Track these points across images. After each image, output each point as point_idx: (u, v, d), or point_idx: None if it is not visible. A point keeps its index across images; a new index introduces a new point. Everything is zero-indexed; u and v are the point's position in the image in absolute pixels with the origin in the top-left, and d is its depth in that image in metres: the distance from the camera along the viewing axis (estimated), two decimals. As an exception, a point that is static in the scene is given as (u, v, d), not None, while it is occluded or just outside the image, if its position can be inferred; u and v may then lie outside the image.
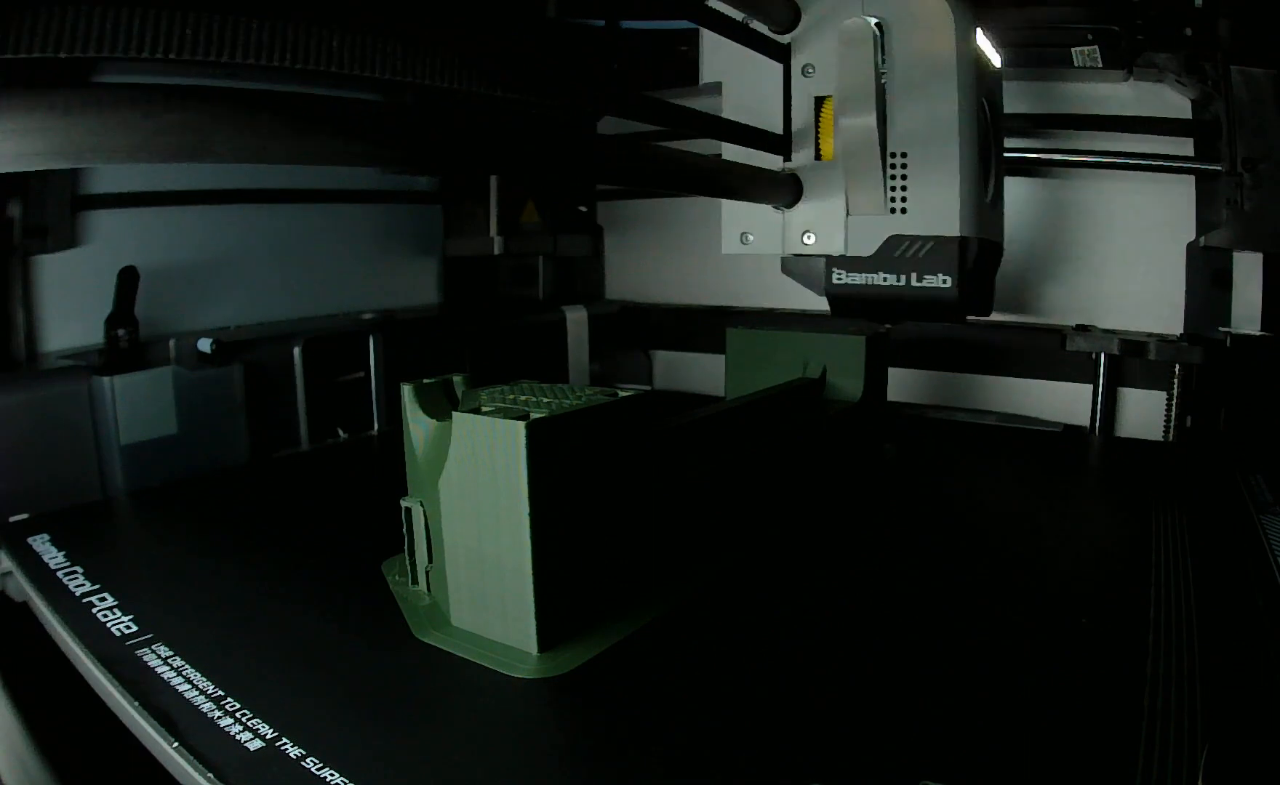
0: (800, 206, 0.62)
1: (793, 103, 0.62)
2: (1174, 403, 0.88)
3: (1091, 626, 0.45)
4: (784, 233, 0.63)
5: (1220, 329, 0.86)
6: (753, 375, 0.74)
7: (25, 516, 0.61)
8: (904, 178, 0.58)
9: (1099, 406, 0.92)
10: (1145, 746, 0.34)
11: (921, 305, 0.59)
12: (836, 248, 0.61)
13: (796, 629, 0.46)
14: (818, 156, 0.61)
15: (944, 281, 0.58)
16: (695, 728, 0.36)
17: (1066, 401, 0.95)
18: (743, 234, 0.64)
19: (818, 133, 0.61)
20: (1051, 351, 0.93)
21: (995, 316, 0.99)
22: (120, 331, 0.71)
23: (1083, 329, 0.92)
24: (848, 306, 0.63)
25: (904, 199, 0.58)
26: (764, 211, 0.63)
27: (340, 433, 0.88)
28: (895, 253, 0.59)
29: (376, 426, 0.91)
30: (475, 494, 0.41)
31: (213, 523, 0.64)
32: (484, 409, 0.42)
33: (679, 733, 0.36)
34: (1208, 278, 0.88)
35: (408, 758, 0.34)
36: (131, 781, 0.38)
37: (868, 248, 0.60)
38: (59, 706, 0.45)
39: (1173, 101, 0.89)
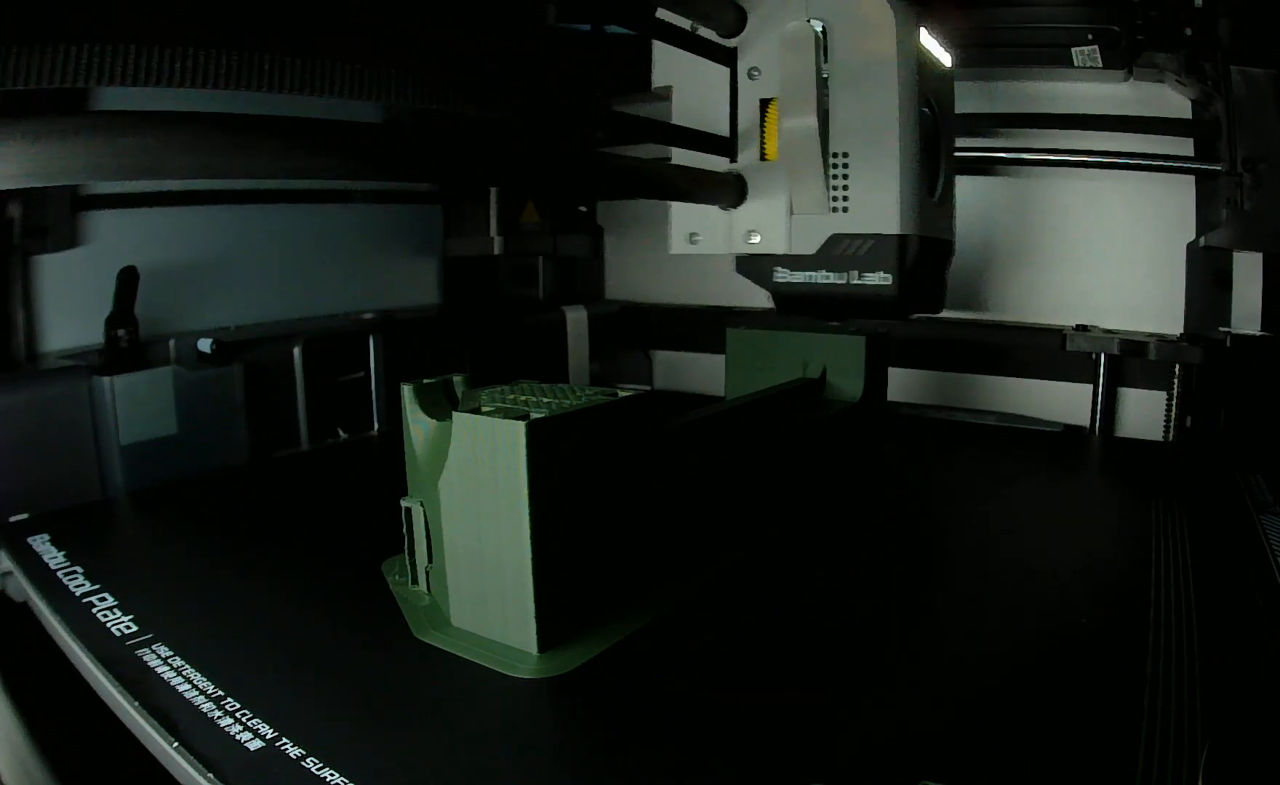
0: (746, 206, 0.62)
1: (739, 105, 0.62)
2: (1174, 403, 0.88)
3: (1091, 626, 0.45)
4: (730, 233, 0.63)
5: (1220, 329, 0.86)
6: (753, 375, 0.74)
7: (25, 516, 0.61)
8: (845, 177, 0.59)
9: (1099, 406, 0.92)
10: (1145, 746, 0.34)
11: (863, 303, 0.60)
12: (780, 246, 0.62)
13: (796, 629, 0.46)
14: (763, 157, 0.62)
15: (884, 279, 0.59)
16: (695, 728, 0.36)
17: (1066, 401, 0.95)
18: (690, 234, 0.65)
19: (763, 134, 0.62)
20: (1051, 351, 0.93)
21: (995, 316, 1.00)
22: (120, 331, 0.71)
23: (1083, 329, 0.92)
24: (792, 305, 0.64)
25: (845, 198, 0.59)
26: (711, 212, 0.64)
27: (340, 433, 0.88)
28: (837, 251, 0.60)
29: (376, 426, 0.91)
30: (475, 494, 0.41)
31: (213, 523, 0.64)
32: (484, 409, 0.42)
33: (679, 733, 0.36)
34: (1208, 278, 0.88)
35: (408, 758, 0.34)
36: (131, 781, 0.38)
37: (810, 246, 0.61)
38: (59, 706, 0.45)
39: (1173, 101, 0.89)
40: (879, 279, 0.59)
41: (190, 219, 0.85)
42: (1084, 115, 0.91)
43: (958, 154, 0.97)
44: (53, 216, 0.74)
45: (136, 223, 0.80)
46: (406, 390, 0.47)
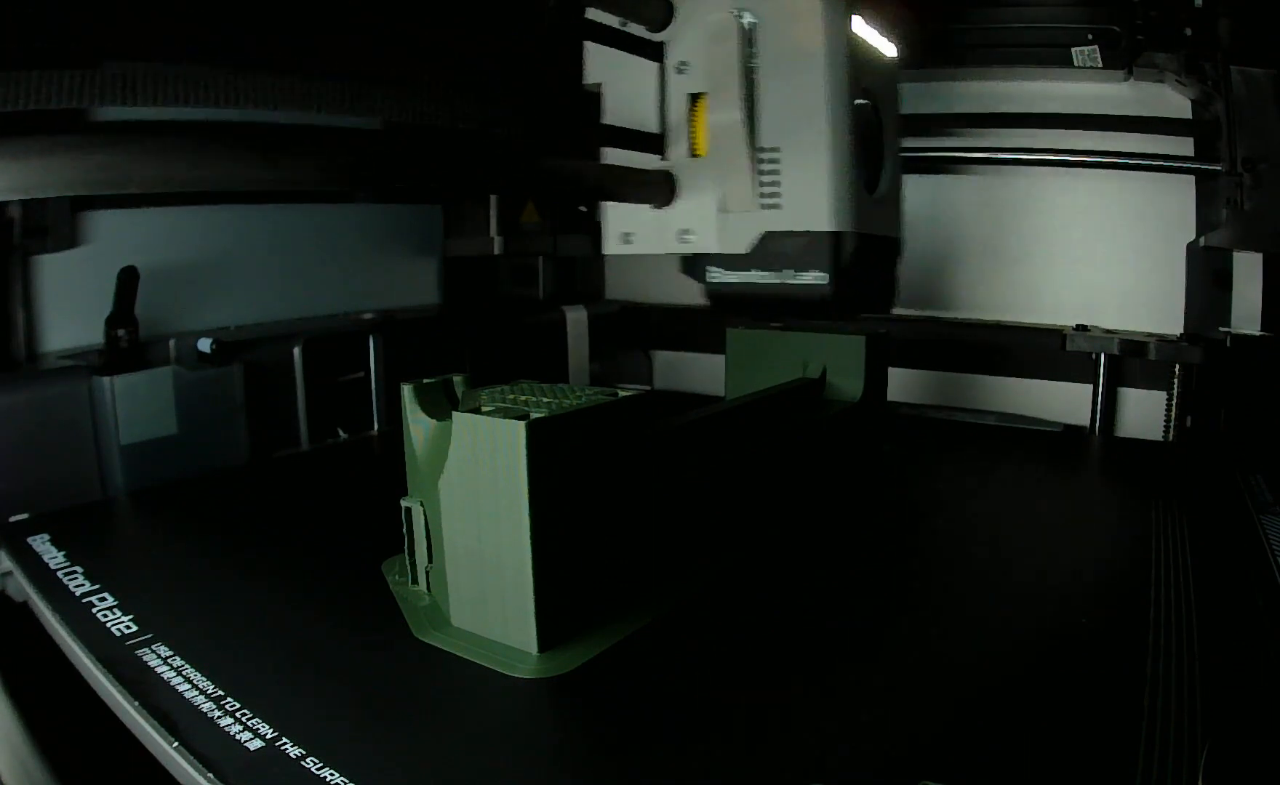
0: (678, 205, 0.61)
1: (668, 100, 0.61)
2: (1174, 403, 0.88)
3: (1091, 626, 0.45)
4: (664, 232, 0.62)
5: (1220, 329, 0.86)
6: (753, 375, 0.74)
7: (25, 516, 0.61)
8: (776, 172, 0.57)
9: (1099, 406, 0.92)
10: (1145, 746, 0.34)
11: (798, 302, 0.58)
12: (712, 246, 0.60)
13: (796, 629, 0.46)
14: (692, 153, 0.60)
15: (819, 278, 0.57)
16: (695, 727, 0.36)
17: (1066, 401, 0.95)
18: (625, 234, 0.63)
19: (692, 129, 0.60)
20: (1051, 351, 0.93)
21: (995, 316, 1.00)
22: (120, 331, 0.71)
23: (1083, 329, 0.92)
24: (728, 304, 0.62)
25: (777, 194, 0.57)
26: (645, 211, 0.62)
27: (340, 433, 0.88)
28: (770, 249, 0.58)
29: (376, 426, 0.91)
30: (475, 494, 0.41)
31: (213, 523, 0.64)
32: (484, 409, 0.42)
33: (679, 733, 0.36)
34: (1208, 278, 0.88)
35: (408, 758, 0.34)
36: (131, 781, 0.38)
37: (743, 245, 0.59)
38: (59, 706, 0.45)
39: (1173, 101, 0.89)
40: (813, 278, 0.57)
41: (190, 219, 0.85)
42: (1084, 115, 0.91)
43: (958, 154, 0.98)
44: (53, 216, 0.74)
45: (136, 223, 0.80)
46: (406, 390, 0.47)
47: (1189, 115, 0.89)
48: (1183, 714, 0.36)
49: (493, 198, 1.05)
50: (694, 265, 0.63)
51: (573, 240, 1.15)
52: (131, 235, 0.80)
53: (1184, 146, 0.89)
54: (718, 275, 0.61)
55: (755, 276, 0.59)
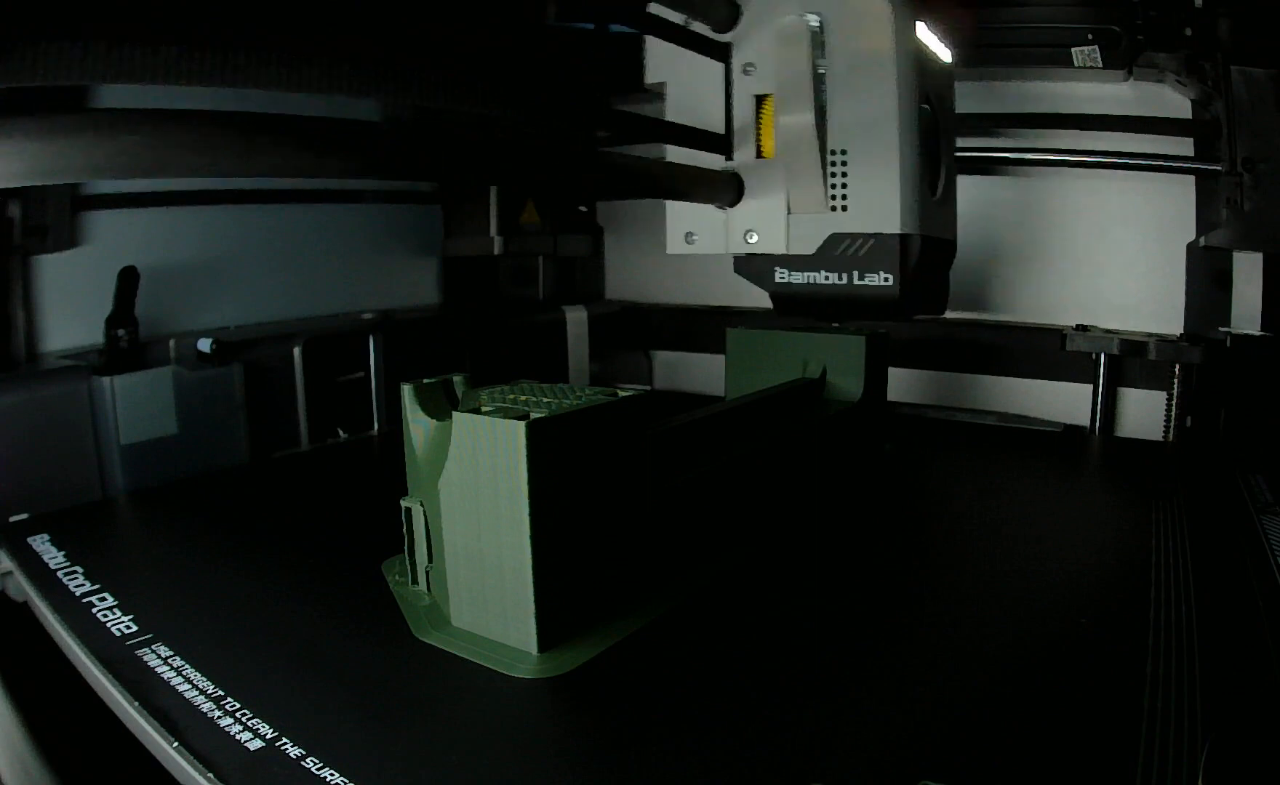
0: (743, 205, 0.61)
1: (734, 101, 0.61)
2: (1174, 403, 0.88)
3: (1091, 626, 0.45)
4: (728, 232, 0.62)
5: (1220, 329, 0.86)
6: (753, 375, 0.73)
7: (25, 516, 0.61)
8: (844, 175, 0.58)
9: (1099, 406, 0.92)
10: (1145, 746, 0.34)
11: (864, 304, 0.59)
12: (778, 246, 0.61)
13: (796, 629, 0.46)
14: (759, 155, 0.61)
15: (885, 279, 0.57)
16: (695, 727, 0.36)
17: (1066, 401, 0.95)
18: (687, 234, 0.64)
19: (759, 131, 0.61)
20: (1051, 351, 0.93)
21: (995, 316, 1.00)
22: (120, 331, 0.71)
23: (1083, 329, 0.92)
24: (791, 306, 0.63)
25: (844, 196, 0.58)
26: (708, 211, 0.63)
27: (340, 433, 0.88)
28: (837, 251, 0.59)
29: (376, 426, 0.91)
30: (475, 494, 0.41)
31: (213, 523, 0.64)
32: (484, 409, 0.42)
33: (679, 733, 0.36)
34: (1208, 278, 0.88)
35: (408, 758, 0.34)
36: (131, 781, 0.38)
37: (809, 246, 0.60)
38: (59, 706, 0.45)
39: (1173, 101, 0.89)
40: (880, 280, 0.58)
41: (190, 219, 0.85)
42: (1084, 115, 0.91)
43: (958, 154, 0.98)
44: (53, 216, 0.74)
45: (136, 223, 0.80)
46: (406, 390, 0.47)
47: (1189, 115, 0.88)
48: (1183, 714, 0.36)
49: (493, 198, 1.05)
50: (750, 266, 0.63)
51: (573, 240, 1.15)
52: (131, 235, 0.80)
53: (1184, 146, 0.89)
54: (783, 277, 0.61)
55: (821, 278, 0.60)
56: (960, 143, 0.97)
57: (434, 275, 1.13)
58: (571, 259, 1.19)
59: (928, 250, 0.59)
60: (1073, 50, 0.86)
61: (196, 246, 0.86)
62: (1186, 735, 0.34)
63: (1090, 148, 0.91)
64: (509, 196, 1.05)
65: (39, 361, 0.74)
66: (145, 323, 0.73)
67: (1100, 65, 0.85)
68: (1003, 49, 0.90)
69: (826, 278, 0.60)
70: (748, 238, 0.62)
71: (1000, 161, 0.96)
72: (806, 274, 0.60)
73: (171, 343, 0.75)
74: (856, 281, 0.59)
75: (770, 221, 0.61)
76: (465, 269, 1.13)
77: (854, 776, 0.32)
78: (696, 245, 0.64)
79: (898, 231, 0.57)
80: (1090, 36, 0.84)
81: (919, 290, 0.59)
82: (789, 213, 0.60)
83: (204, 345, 0.76)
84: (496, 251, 1.05)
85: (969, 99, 0.96)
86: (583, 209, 1.18)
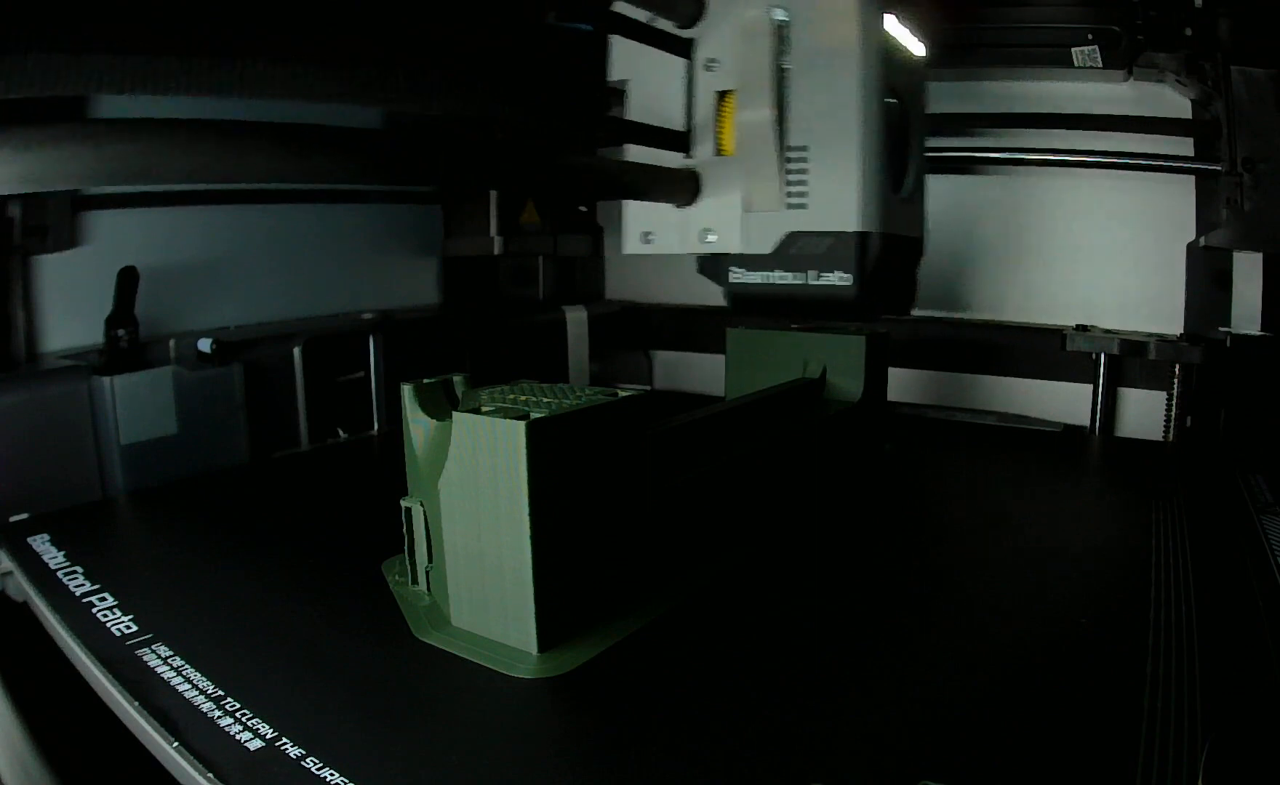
0: (701, 204, 0.60)
1: (696, 98, 0.60)
2: (1174, 403, 0.88)
3: (1091, 626, 0.45)
4: (685, 231, 0.61)
5: (1220, 329, 0.86)
6: (753, 375, 0.73)
7: (25, 516, 0.61)
8: (803, 172, 0.56)
9: (1099, 406, 0.92)
10: (1145, 747, 0.34)
11: (821, 304, 0.57)
12: (735, 245, 0.59)
13: (796, 629, 0.46)
14: (718, 152, 0.59)
15: (844, 278, 0.56)
16: (695, 728, 0.36)
17: (1066, 401, 0.95)
18: (645, 234, 0.62)
19: (719, 128, 0.59)
20: (1051, 351, 0.93)
21: (995, 316, 1.00)
22: (120, 331, 0.71)
23: (1083, 329, 0.92)
24: (748, 305, 0.61)
25: (803, 194, 0.57)
26: (666, 210, 0.61)
27: (340, 433, 0.88)
28: (794, 250, 0.57)
29: (376, 426, 0.91)
30: (475, 494, 0.41)
31: (213, 523, 0.64)
32: (484, 409, 0.42)
33: (679, 733, 0.36)
34: (1208, 278, 0.88)
35: (408, 757, 0.34)
36: (131, 781, 0.38)
37: (767, 245, 0.58)
38: (59, 706, 0.45)
39: (1173, 101, 0.89)
40: (838, 279, 0.56)
41: (190, 219, 0.85)
42: (1084, 115, 0.91)
43: (958, 154, 0.98)
44: (53, 216, 0.74)
45: (136, 223, 0.80)
46: (406, 390, 0.47)
47: (1189, 115, 0.89)
48: (1183, 714, 0.36)
49: (493, 197, 1.05)
50: (712, 266, 0.62)
51: (573, 240, 1.15)
52: (131, 235, 0.80)
53: (1184, 146, 0.89)
54: (739, 276, 0.60)
55: (778, 277, 0.58)
56: (959, 143, 0.98)
57: (434, 275, 1.13)
58: (571, 259, 1.19)
59: (889, 249, 0.58)
60: (1073, 50, 0.86)
61: (196, 246, 0.86)
62: (1186, 735, 0.34)
63: (1090, 148, 0.91)
64: (509, 197, 1.05)
65: (39, 361, 0.73)
66: (145, 323, 0.73)
67: (1100, 65, 0.85)
68: (1003, 49, 0.90)
69: (783, 277, 0.58)
70: (706, 237, 0.60)
71: (1000, 161, 0.96)
72: (763, 273, 0.59)
73: (171, 343, 0.75)
74: (813, 281, 0.57)
75: (728, 220, 0.59)
76: (465, 269, 1.13)
77: (854, 776, 0.32)
78: (654, 245, 0.62)
79: (856, 229, 0.55)
80: (1090, 36, 0.84)
81: (880, 290, 0.58)
82: (746, 211, 0.59)
83: (204, 345, 0.76)
84: (496, 251, 1.05)
85: (969, 99, 0.96)
86: (583, 209, 1.18)
